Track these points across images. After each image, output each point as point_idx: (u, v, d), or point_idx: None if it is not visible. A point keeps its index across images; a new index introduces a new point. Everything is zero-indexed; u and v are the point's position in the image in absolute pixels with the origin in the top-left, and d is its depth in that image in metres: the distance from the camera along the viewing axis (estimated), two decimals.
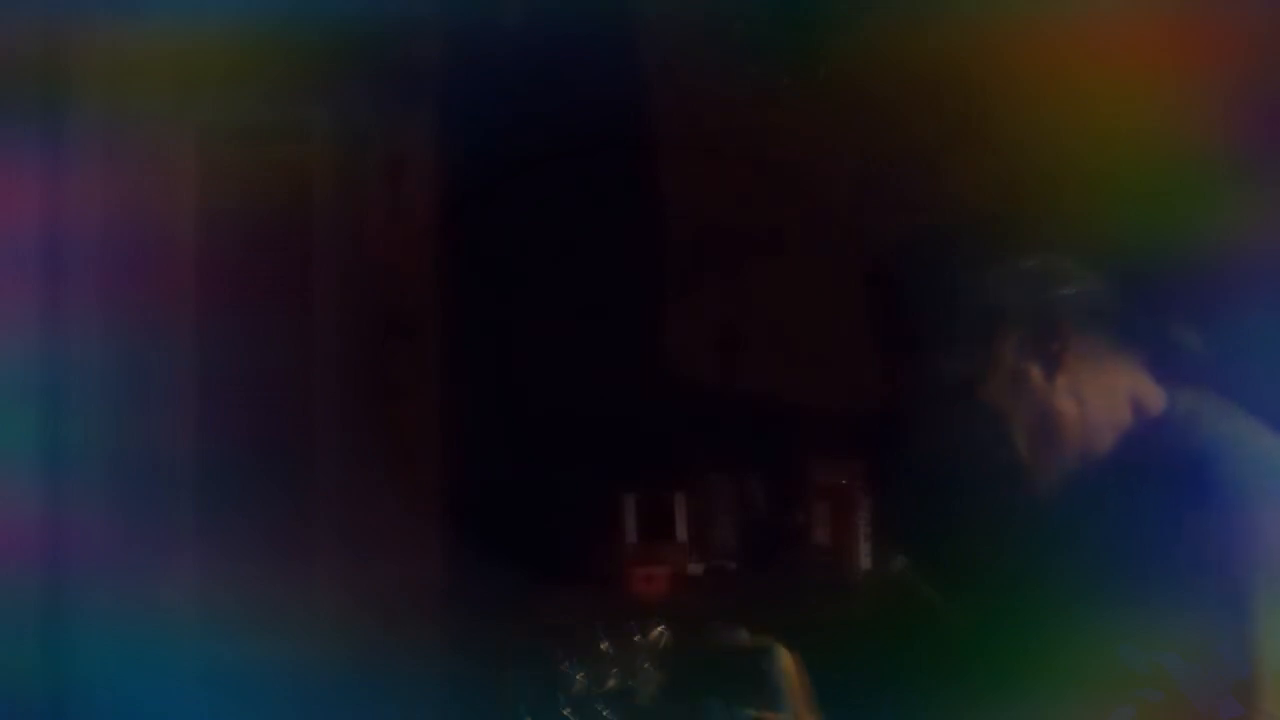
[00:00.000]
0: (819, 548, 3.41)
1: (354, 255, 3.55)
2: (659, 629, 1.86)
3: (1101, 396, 1.96)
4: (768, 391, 3.56)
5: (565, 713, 1.83)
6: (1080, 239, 2.01)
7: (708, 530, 3.55)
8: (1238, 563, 1.78)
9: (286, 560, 3.33)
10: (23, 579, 3.22)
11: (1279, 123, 2.45)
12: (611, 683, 1.83)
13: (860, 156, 3.32)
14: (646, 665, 1.84)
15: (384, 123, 3.55)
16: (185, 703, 3.20)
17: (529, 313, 3.62)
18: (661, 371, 3.64)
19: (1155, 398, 1.97)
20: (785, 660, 1.87)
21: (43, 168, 3.32)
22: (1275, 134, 2.43)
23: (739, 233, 3.59)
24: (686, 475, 3.57)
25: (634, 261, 3.66)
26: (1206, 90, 2.41)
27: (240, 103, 3.46)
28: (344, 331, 3.55)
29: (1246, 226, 2.30)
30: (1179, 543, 1.80)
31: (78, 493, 3.30)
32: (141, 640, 3.19)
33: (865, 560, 3.34)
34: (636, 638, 1.85)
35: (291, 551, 3.37)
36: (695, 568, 3.52)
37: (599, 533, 3.52)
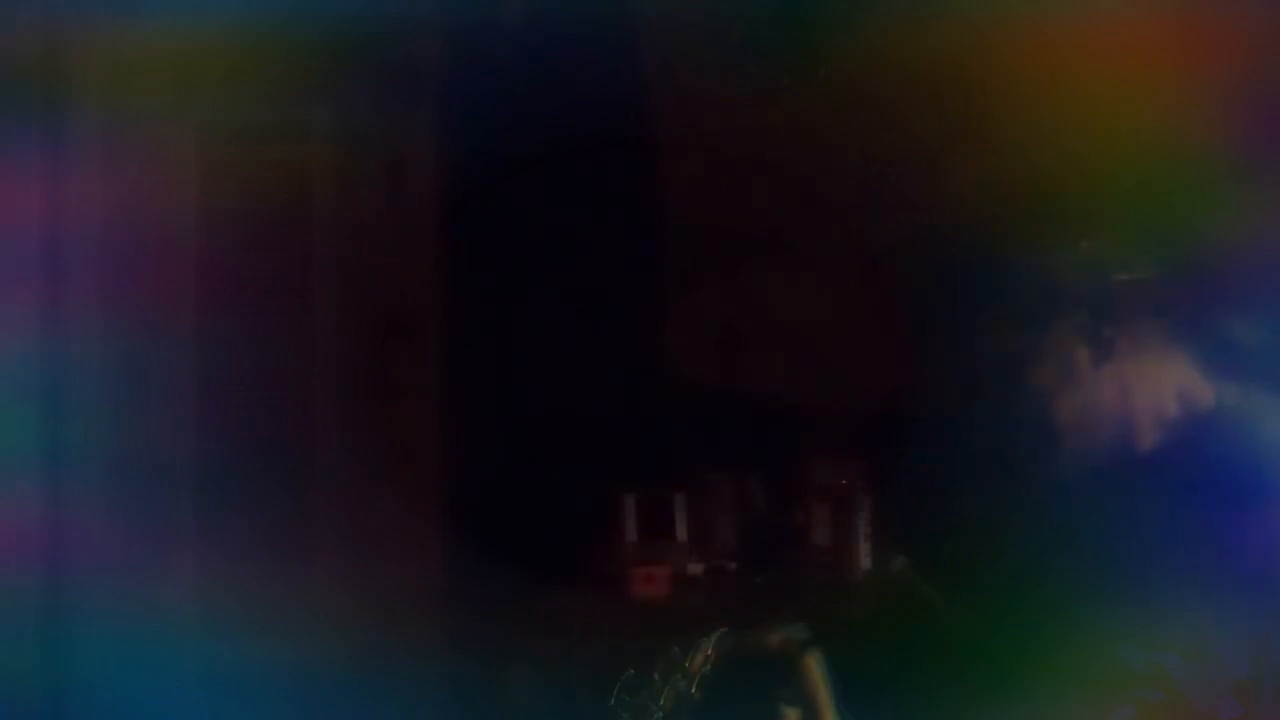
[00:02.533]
0: (819, 548, 3.41)
1: (354, 255, 3.55)
2: (707, 650, 1.86)
3: (1148, 387, 1.94)
4: (768, 391, 3.56)
5: None
6: (1083, 238, 2.01)
7: (708, 530, 3.55)
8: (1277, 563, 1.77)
9: (286, 560, 3.33)
10: (23, 579, 3.22)
11: (1279, 123, 2.44)
12: (661, 708, 1.83)
13: (860, 156, 3.32)
14: (694, 691, 1.84)
15: (384, 123, 3.55)
16: (185, 703, 3.20)
17: (529, 313, 3.62)
18: (661, 371, 3.64)
19: (1202, 393, 1.95)
20: (815, 666, 1.86)
21: (43, 168, 3.32)
22: (1275, 134, 2.43)
23: (739, 233, 3.59)
24: (686, 475, 3.57)
25: (634, 261, 3.66)
26: (1206, 90, 2.41)
27: (240, 103, 3.46)
28: (344, 331, 3.55)
29: (1252, 227, 2.29)
30: (1216, 540, 1.80)
31: (78, 493, 3.30)
32: (141, 640, 3.19)
33: (865, 560, 3.34)
34: (686, 663, 1.85)
35: (291, 551, 3.37)
36: (695, 568, 3.52)
37: (599, 533, 3.52)
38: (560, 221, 3.57)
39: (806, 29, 3.34)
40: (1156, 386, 1.95)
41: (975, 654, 1.99)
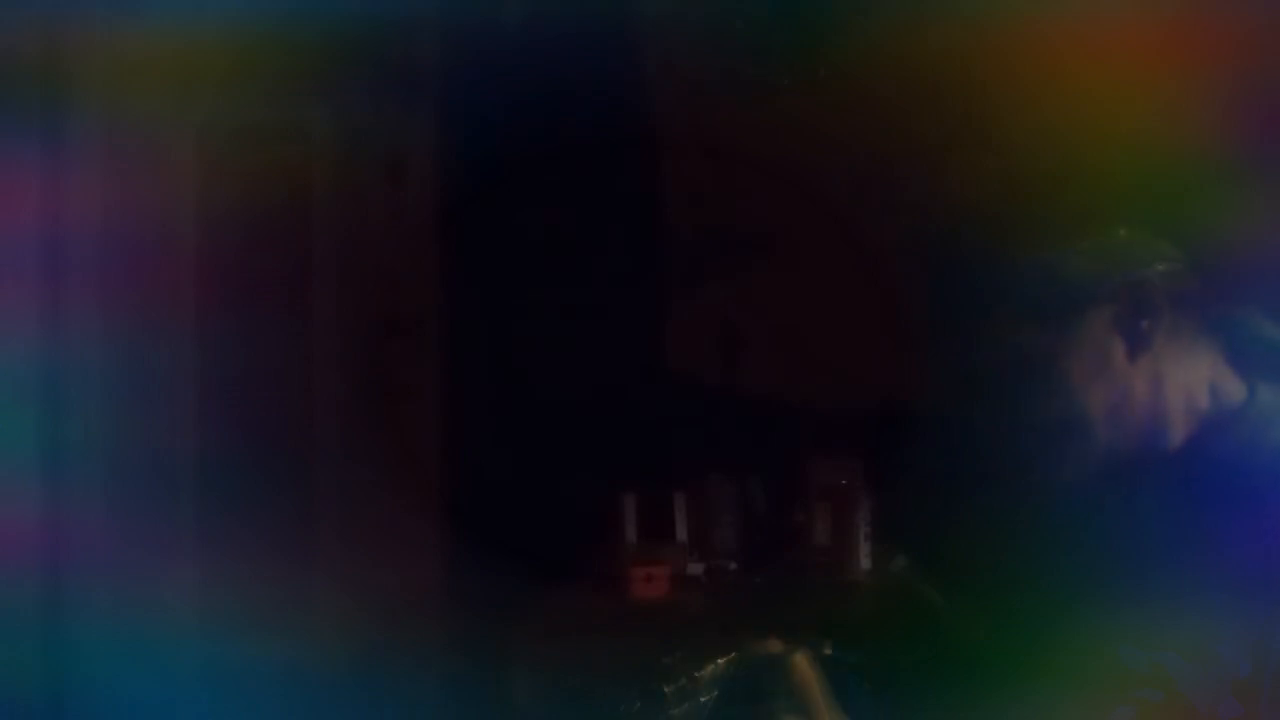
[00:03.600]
0: (819, 548, 3.41)
1: (354, 255, 3.55)
2: (720, 661, 1.85)
3: (1181, 381, 1.92)
4: (768, 391, 3.56)
5: None
6: (1086, 238, 2.00)
7: (708, 530, 3.55)
8: None
9: (286, 560, 3.33)
10: (23, 579, 3.22)
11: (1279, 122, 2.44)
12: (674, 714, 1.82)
13: (860, 156, 3.32)
14: (704, 699, 1.83)
15: (383, 123, 3.55)
16: (185, 703, 3.20)
17: (529, 313, 3.62)
18: (662, 371, 3.64)
19: (1235, 389, 1.93)
20: (804, 667, 1.86)
21: (43, 168, 3.32)
22: (1275, 134, 2.43)
23: (739, 233, 3.59)
24: (686, 475, 3.57)
25: (634, 261, 3.66)
26: (1209, 88, 2.41)
27: (240, 103, 3.46)
28: (344, 331, 3.55)
29: (1260, 225, 2.28)
30: (1218, 539, 1.79)
31: (78, 493, 3.30)
32: (141, 640, 3.19)
33: (865, 560, 3.34)
34: (699, 673, 1.83)
35: (291, 551, 3.38)
36: (695, 568, 3.52)
37: (599, 533, 3.52)
38: (560, 221, 3.57)
39: (806, 29, 3.34)
40: (1158, 385, 1.95)
41: (975, 654, 1.99)
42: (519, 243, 3.58)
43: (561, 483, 3.45)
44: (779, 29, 3.41)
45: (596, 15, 3.34)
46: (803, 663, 1.82)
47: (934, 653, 2.19)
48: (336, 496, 3.50)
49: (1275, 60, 2.44)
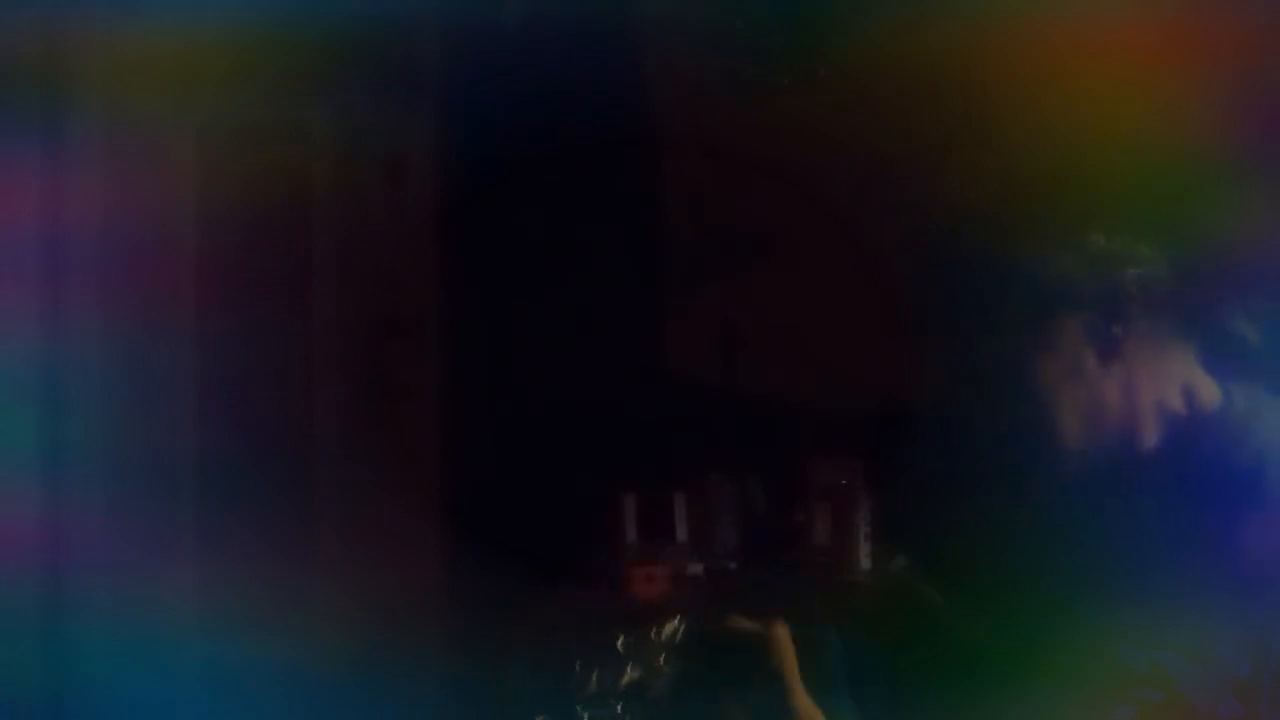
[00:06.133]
0: (819, 548, 3.40)
1: (354, 255, 3.55)
2: (675, 622, 1.86)
3: (1149, 385, 1.93)
4: (768, 391, 3.56)
5: (582, 714, 1.81)
6: (1086, 237, 2.00)
7: (708, 530, 3.55)
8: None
9: (286, 560, 3.33)
10: (23, 579, 3.22)
11: (1279, 122, 2.44)
12: (627, 679, 1.82)
13: (860, 156, 3.32)
14: (663, 660, 1.83)
15: (384, 123, 3.55)
16: (185, 703, 3.20)
17: (529, 313, 3.62)
18: (661, 371, 3.64)
19: (1204, 392, 1.94)
20: (782, 643, 1.86)
21: (43, 168, 3.32)
22: (1276, 133, 2.43)
23: (739, 233, 3.59)
24: (686, 475, 3.57)
25: (634, 261, 3.65)
26: (1207, 89, 2.41)
27: (240, 103, 3.46)
28: (344, 331, 3.55)
29: (1256, 226, 2.29)
30: (1217, 539, 1.79)
31: (78, 493, 3.30)
32: (141, 640, 3.19)
33: (865, 560, 3.33)
34: (653, 634, 1.84)
35: (291, 551, 3.37)
36: (695, 568, 3.51)
37: (599, 533, 3.52)
38: (560, 221, 3.57)
39: (806, 29, 3.34)
40: (1158, 385, 1.95)
41: (975, 654, 1.99)
42: (519, 243, 3.58)
43: (561, 483, 3.45)
44: (779, 29, 3.41)
45: (596, 15, 3.34)
46: (783, 637, 1.82)
47: (934, 653, 2.19)
48: (336, 496, 3.50)
49: (1275, 60, 2.44)
